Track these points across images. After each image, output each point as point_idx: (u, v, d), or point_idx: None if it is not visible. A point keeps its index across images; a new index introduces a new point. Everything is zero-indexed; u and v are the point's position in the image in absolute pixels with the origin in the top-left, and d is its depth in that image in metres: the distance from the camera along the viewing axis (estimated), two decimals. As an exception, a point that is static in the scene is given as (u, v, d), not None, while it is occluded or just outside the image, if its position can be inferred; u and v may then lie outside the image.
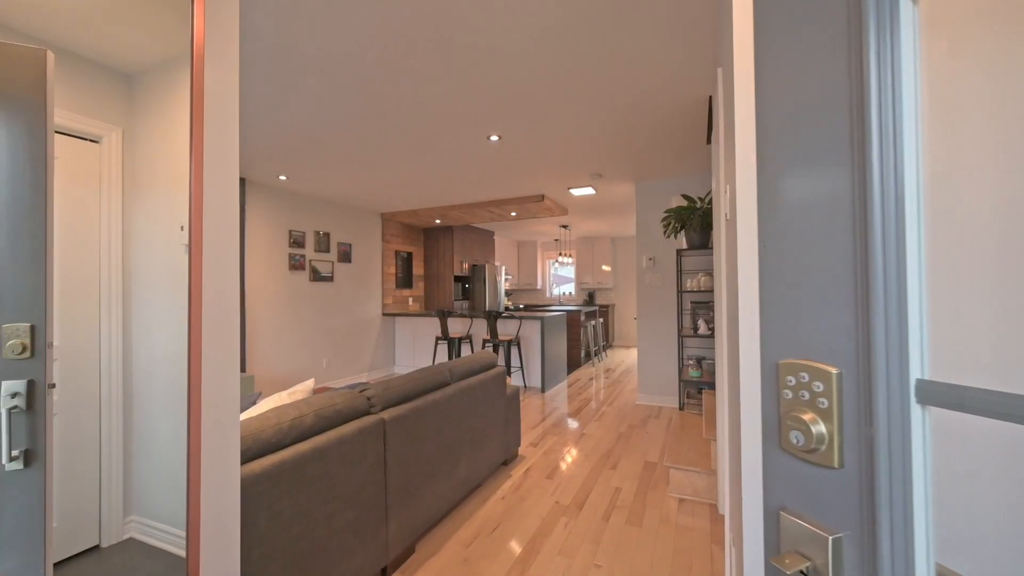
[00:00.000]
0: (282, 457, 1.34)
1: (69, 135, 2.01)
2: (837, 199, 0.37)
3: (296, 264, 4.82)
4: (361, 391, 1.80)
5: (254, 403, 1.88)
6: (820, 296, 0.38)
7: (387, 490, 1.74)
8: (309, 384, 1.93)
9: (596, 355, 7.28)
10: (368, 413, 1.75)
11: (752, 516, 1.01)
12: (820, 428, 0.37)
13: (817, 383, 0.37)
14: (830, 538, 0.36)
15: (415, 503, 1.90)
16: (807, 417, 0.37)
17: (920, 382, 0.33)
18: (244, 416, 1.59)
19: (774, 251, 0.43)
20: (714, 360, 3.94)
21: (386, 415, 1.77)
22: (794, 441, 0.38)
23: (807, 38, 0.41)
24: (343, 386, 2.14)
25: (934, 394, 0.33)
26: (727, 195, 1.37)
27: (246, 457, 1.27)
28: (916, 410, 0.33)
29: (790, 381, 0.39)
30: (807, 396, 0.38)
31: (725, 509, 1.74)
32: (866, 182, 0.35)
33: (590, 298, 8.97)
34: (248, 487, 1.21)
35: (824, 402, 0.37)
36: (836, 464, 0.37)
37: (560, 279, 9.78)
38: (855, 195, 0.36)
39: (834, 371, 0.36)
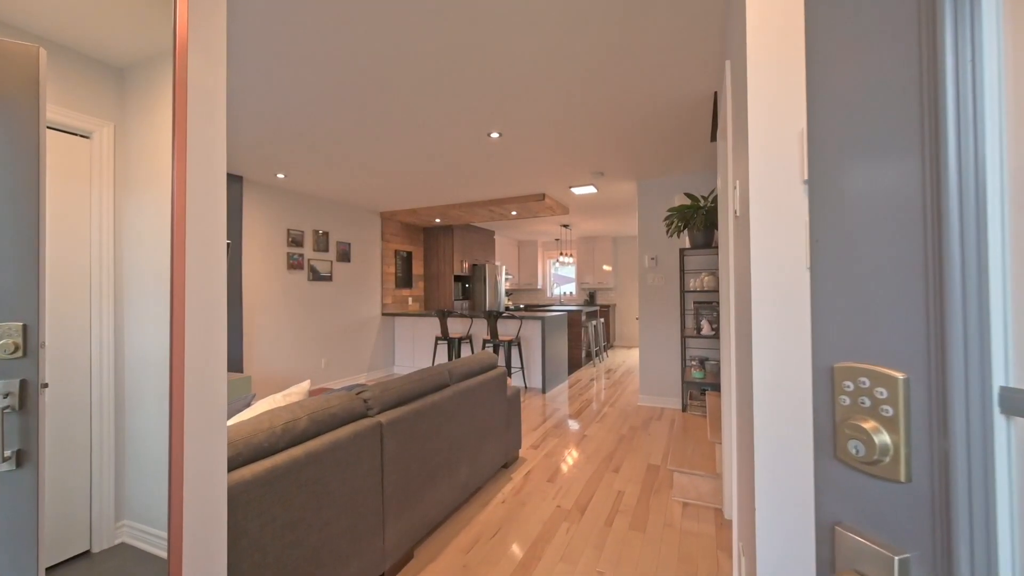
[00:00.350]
0: (275, 462, 1.28)
1: (59, 130, 1.96)
2: (906, 190, 0.32)
3: (294, 263, 4.77)
4: (358, 393, 1.75)
5: (248, 405, 1.83)
6: (884, 296, 0.33)
7: (384, 495, 1.69)
8: (304, 386, 1.88)
9: (597, 355, 7.22)
10: (365, 416, 1.70)
11: (768, 524, 0.96)
12: (883, 438, 0.32)
13: (880, 389, 0.32)
14: (896, 558, 0.31)
15: (413, 508, 1.84)
16: (868, 426, 0.33)
17: (1005, 390, 0.28)
18: (237, 419, 1.53)
19: (829, 247, 0.38)
20: (718, 361, 3.89)
21: (383, 418, 1.72)
22: (853, 451, 0.34)
23: (870, 13, 0.35)
24: (341, 387, 2.09)
25: (1022, 404, 0.28)
26: (736, 191, 1.32)
27: (237, 463, 1.22)
28: (1000, 421, 0.28)
29: (847, 386, 0.34)
30: (868, 403, 0.33)
31: (733, 514, 1.69)
32: (940, 172, 0.30)
33: (591, 298, 8.93)
34: (238, 494, 1.16)
35: (888, 410, 0.32)
36: (902, 478, 0.32)
37: (561, 279, 9.73)
38: (927, 185, 0.31)
39: (900, 376, 0.31)
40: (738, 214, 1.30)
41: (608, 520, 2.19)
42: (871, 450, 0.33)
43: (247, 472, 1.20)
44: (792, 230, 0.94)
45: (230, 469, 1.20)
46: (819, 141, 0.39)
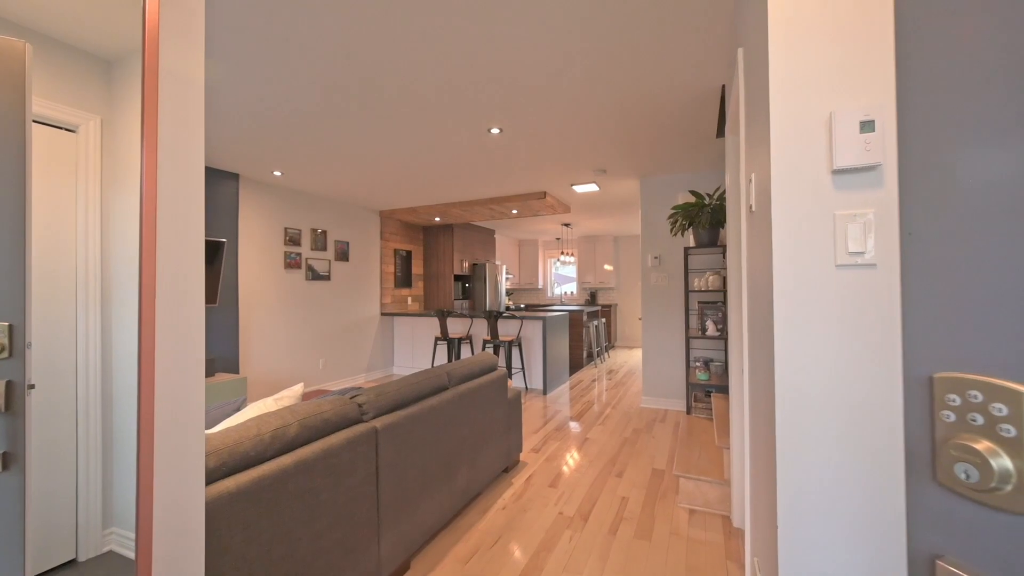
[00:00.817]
0: (262, 472, 1.21)
1: (44, 124, 1.89)
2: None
3: (292, 263, 4.70)
4: (352, 397, 1.68)
5: (238, 409, 1.76)
6: (1005, 297, 0.26)
7: (379, 504, 1.61)
8: (297, 389, 1.81)
9: (599, 356, 7.15)
10: (360, 421, 1.63)
11: (791, 539, 0.88)
12: (1003, 463, 0.26)
13: (997, 405, 0.25)
14: (1020, 604, 0.25)
15: (410, 516, 1.77)
16: (981, 447, 0.26)
17: None
18: (224, 425, 1.46)
19: (929, 241, 0.30)
20: (723, 362, 3.82)
21: (379, 423, 1.64)
22: (962, 476, 0.27)
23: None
24: (339, 389, 2.02)
25: None
26: (752, 184, 1.24)
27: (222, 473, 1.15)
28: None
29: (952, 400, 0.28)
30: (980, 421, 0.27)
31: (745, 524, 1.62)
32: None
33: (592, 298, 8.85)
34: (221, 507, 1.08)
35: (1010, 430, 0.25)
36: (1030, 509, 0.25)
37: (561, 278, 9.66)
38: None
39: (1026, 390, 0.24)
40: (754, 209, 1.23)
41: (612, 528, 2.12)
42: (987, 476, 0.26)
43: (231, 483, 1.13)
44: (819, 224, 0.86)
45: (213, 480, 1.13)
46: (914, 122, 0.32)
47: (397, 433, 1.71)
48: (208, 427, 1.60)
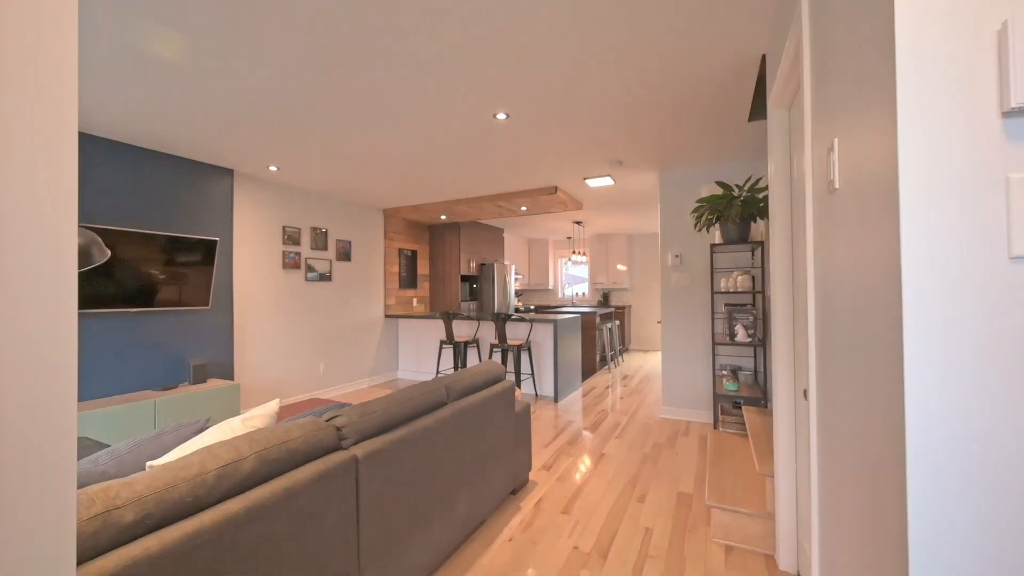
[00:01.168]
0: (200, 523, 0.95)
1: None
2: None
3: (290, 262, 4.48)
4: (330, 419, 1.42)
5: (201, 430, 1.51)
6: None
7: (360, 548, 1.35)
8: (273, 406, 1.55)
9: (612, 360, 6.83)
10: (337, 448, 1.36)
11: None
12: None
13: None
14: None
15: (400, 557, 1.50)
16: None
17: None
18: (175, 454, 1.21)
19: None
20: (752, 371, 3.49)
21: (360, 451, 1.38)
22: None
23: None
24: (321, 408, 1.75)
25: None
26: (835, 154, 0.95)
27: (144, 528, 0.89)
28: None
29: None
30: None
31: (794, 568, 1.31)
32: None
33: (604, 299, 8.53)
34: (135, 579, 0.82)
35: None
36: None
37: (573, 279, 9.35)
38: None
39: None
40: (838, 187, 0.93)
41: (636, 567, 1.82)
42: None
43: (153, 543, 0.87)
44: (981, 195, 0.57)
45: (131, 538, 0.87)
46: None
47: (383, 461, 1.45)
48: (159, 455, 1.35)
